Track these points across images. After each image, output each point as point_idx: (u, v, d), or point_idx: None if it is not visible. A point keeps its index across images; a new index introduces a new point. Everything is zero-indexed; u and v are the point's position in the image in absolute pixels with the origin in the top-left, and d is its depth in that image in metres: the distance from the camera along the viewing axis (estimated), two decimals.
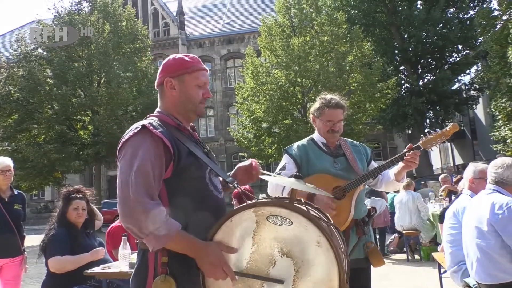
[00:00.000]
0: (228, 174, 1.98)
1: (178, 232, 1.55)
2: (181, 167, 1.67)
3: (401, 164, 2.68)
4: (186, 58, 1.85)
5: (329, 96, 2.92)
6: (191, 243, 1.58)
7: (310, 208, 1.65)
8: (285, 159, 2.87)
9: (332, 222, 1.71)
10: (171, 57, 1.89)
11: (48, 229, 3.68)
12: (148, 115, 1.84)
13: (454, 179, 9.41)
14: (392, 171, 2.78)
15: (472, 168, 3.76)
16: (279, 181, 1.64)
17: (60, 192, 3.89)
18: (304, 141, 2.96)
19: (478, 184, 3.62)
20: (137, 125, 1.69)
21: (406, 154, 2.62)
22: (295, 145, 2.95)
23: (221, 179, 1.91)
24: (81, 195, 3.77)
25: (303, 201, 1.69)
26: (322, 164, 2.78)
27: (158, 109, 1.87)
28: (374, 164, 2.92)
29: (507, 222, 2.69)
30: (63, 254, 3.45)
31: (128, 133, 1.68)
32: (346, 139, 2.99)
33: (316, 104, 2.93)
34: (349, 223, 2.65)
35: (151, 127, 1.64)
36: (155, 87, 1.90)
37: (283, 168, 2.84)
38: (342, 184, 2.68)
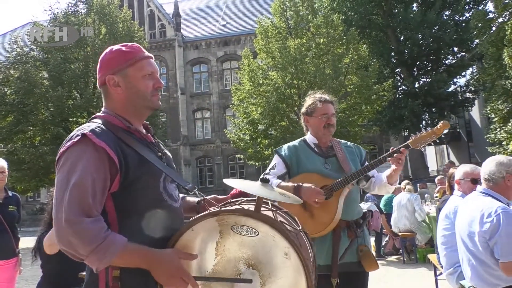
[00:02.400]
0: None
1: (123, 247, 1.37)
2: (131, 179, 1.47)
3: (393, 166, 2.63)
4: (125, 49, 1.62)
5: (318, 94, 2.93)
6: (142, 255, 1.41)
7: (279, 213, 1.56)
8: (275, 159, 2.88)
9: (301, 227, 1.61)
10: (107, 50, 1.65)
11: (40, 234, 3.61)
12: (92, 116, 1.64)
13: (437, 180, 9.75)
14: (384, 174, 2.73)
15: (459, 170, 3.81)
16: (244, 187, 1.57)
17: (49, 194, 3.78)
18: (295, 142, 2.94)
19: (463, 185, 3.67)
20: (78, 132, 1.48)
21: (395, 153, 2.56)
22: (285, 145, 2.93)
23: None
24: None
25: (270, 204, 1.60)
26: (312, 164, 2.76)
27: (103, 109, 1.65)
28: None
29: (494, 229, 2.64)
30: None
31: (67, 142, 1.47)
32: (340, 140, 2.96)
33: (307, 103, 2.91)
34: (335, 224, 2.60)
35: (93, 136, 1.43)
36: (98, 88, 1.67)
37: (272, 168, 2.84)
38: (329, 184, 2.64)
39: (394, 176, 2.68)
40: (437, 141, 2.58)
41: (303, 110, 2.95)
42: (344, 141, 2.99)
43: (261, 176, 2.71)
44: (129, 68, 1.59)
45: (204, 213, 1.50)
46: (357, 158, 2.86)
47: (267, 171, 2.86)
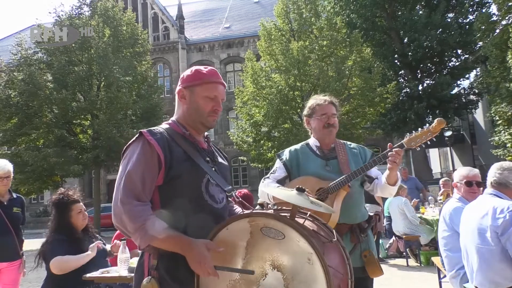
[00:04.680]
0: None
1: (163, 230, 1.60)
2: (173, 174, 1.70)
3: (389, 165, 2.56)
4: (203, 71, 1.88)
5: (320, 96, 2.96)
6: (177, 240, 1.62)
7: (317, 223, 1.61)
8: (277, 164, 2.90)
9: (336, 239, 1.65)
10: (190, 68, 1.94)
11: (46, 239, 3.60)
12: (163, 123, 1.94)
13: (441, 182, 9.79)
14: (383, 175, 2.68)
15: (455, 173, 3.89)
16: (281, 195, 1.63)
17: (50, 201, 3.68)
18: (297, 145, 2.95)
19: (460, 188, 3.74)
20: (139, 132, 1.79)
21: (389, 153, 2.49)
22: (287, 149, 2.95)
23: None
24: (75, 199, 3.66)
25: (308, 214, 1.65)
26: (312, 167, 2.74)
27: (172, 118, 1.95)
28: (374, 169, 2.79)
29: (507, 225, 2.66)
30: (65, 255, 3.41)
31: (129, 141, 1.80)
32: (345, 142, 2.94)
33: (308, 105, 2.95)
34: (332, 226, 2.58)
35: (147, 134, 1.72)
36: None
37: (273, 172, 2.85)
38: (325, 186, 2.61)
39: (391, 176, 2.59)
40: (434, 139, 2.48)
41: (304, 112, 2.97)
42: (349, 143, 2.96)
43: (262, 180, 2.77)
44: (197, 87, 1.85)
45: (238, 214, 1.65)
46: (360, 160, 2.80)
47: (268, 175, 2.86)
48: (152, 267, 1.68)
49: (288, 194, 1.66)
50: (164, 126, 1.86)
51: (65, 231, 3.53)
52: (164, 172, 1.70)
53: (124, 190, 1.63)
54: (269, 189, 1.71)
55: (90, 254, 3.47)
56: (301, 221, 1.55)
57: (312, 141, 2.90)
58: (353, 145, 2.94)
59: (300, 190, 1.63)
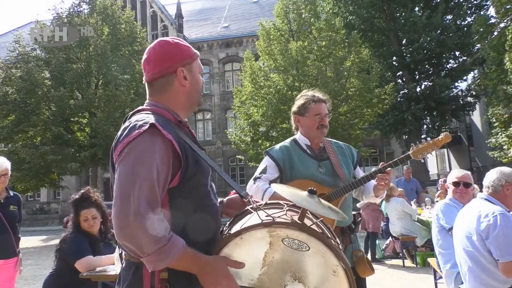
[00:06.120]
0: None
1: (183, 250, 1.35)
2: (188, 174, 1.45)
3: (379, 186, 2.59)
4: (184, 43, 1.64)
5: (310, 92, 2.80)
6: (195, 259, 1.39)
7: (319, 224, 1.56)
8: (266, 162, 2.71)
9: (338, 240, 1.61)
10: (163, 42, 1.63)
11: (66, 235, 3.64)
12: (139, 109, 1.59)
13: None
14: (372, 185, 2.67)
15: (448, 176, 4.03)
16: (291, 196, 1.51)
17: (69, 200, 3.79)
18: (286, 142, 2.80)
19: (451, 190, 3.87)
20: (141, 122, 1.42)
21: (378, 174, 2.52)
22: (277, 146, 2.79)
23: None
24: (88, 203, 3.71)
25: (311, 216, 1.59)
26: (307, 169, 2.63)
27: (151, 102, 1.60)
28: (359, 169, 2.83)
29: (491, 229, 2.68)
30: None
31: (131, 131, 1.40)
32: (330, 139, 2.85)
33: (299, 102, 2.78)
34: None
35: (161, 128, 1.39)
36: (153, 79, 1.61)
37: (263, 172, 2.66)
38: (326, 192, 2.54)
39: (380, 192, 2.64)
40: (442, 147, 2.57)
41: (294, 109, 2.82)
42: (335, 141, 2.89)
43: (252, 180, 2.67)
44: (193, 63, 1.62)
45: (255, 222, 1.46)
46: (349, 159, 2.78)
47: (257, 174, 2.68)
48: (163, 281, 1.40)
49: (300, 196, 1.57)
50: (152, 115, 1.49)
51: (81, 231, 3.61)
52: (181, 173, 1.43)
53: (140, 200, 1.30)
54: (278, 188, 1.62)
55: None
56: (308, 223, 1.49)
57: (302, 139, 2.77)
58: (339, 143, 2.89)
59: (312, 192, 1.55)
